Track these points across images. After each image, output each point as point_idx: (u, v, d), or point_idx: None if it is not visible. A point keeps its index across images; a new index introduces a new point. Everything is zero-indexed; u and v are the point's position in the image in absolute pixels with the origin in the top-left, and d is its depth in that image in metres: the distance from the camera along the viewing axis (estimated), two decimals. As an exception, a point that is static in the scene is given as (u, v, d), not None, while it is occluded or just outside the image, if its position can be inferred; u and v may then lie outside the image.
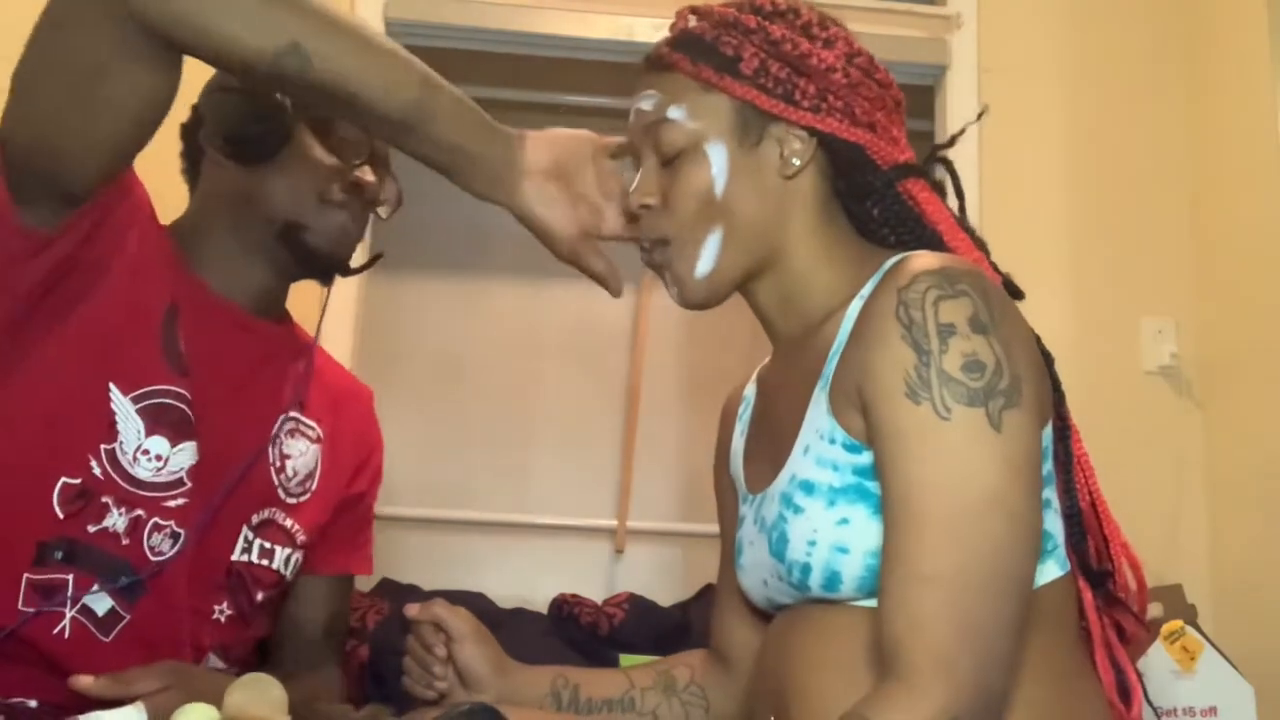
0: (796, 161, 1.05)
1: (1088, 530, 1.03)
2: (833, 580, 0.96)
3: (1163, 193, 2.38)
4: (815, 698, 0.96)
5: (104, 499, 1.13)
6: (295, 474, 1.30)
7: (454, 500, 2.76)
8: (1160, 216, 2.37)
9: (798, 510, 0.99)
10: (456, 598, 2.14)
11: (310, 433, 1.33)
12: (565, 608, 2.16)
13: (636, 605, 2.17)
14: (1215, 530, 2.23)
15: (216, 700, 0.91)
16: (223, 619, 1.25)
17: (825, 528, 0.96)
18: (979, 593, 0.86)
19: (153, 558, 1.15)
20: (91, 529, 1.12)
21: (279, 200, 1.23)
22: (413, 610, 1.19)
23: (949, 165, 1.16)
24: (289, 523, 1.30)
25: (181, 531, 1.16)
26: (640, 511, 2.82)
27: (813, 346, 1.05)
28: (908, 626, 0.86)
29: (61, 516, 1.11)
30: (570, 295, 2.71)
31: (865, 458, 0.96)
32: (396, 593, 2.23)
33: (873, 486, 0.95)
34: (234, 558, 1.25)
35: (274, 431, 1.27)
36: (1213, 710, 1.59)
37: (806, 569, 0.98)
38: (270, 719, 0.91)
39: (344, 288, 2.21)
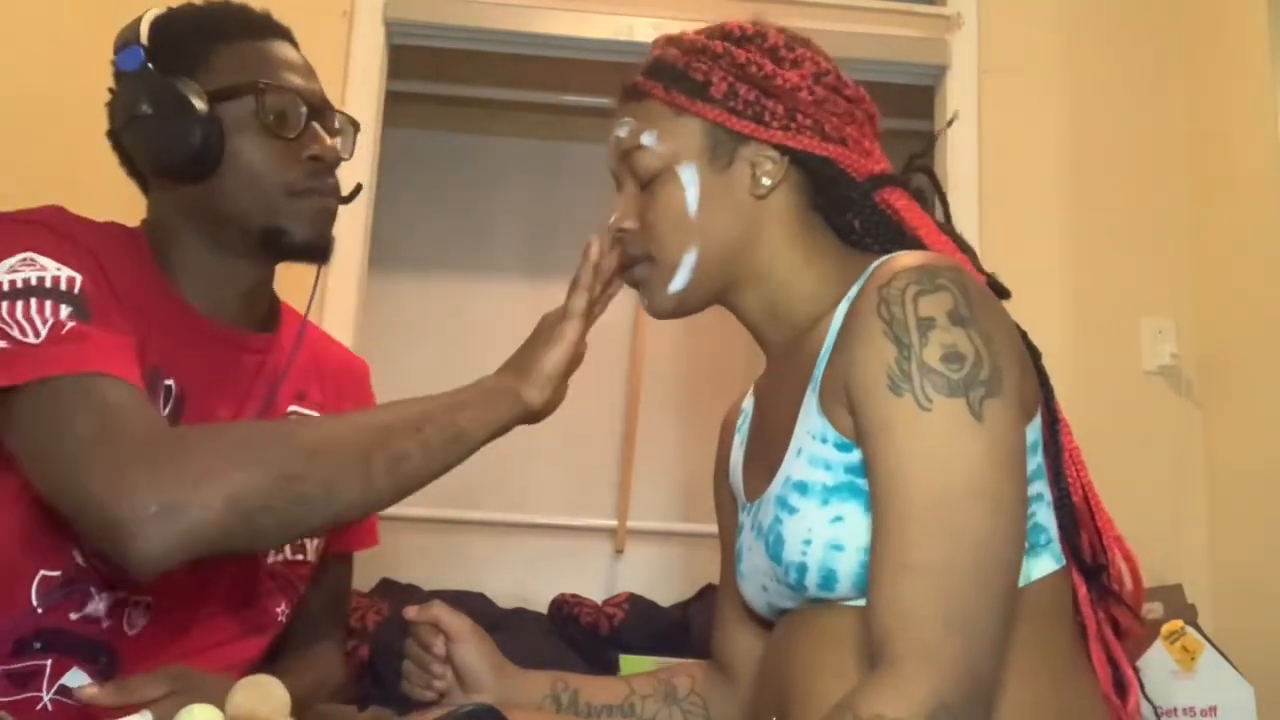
0: (767, 181, 1.08)
1: (1080, 523, 1.04)
2: (829, 578, 0.97)
3: (1163, 193, 2.38)
4: (817, 701, 0.96)
5: (89, 587, 1.09)
6: None
7: (454, 500, 2.76)
8: (1160, 216, 2.37)
9: (792, 510, 1.00)
10: (456, 598, 2.15)
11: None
12: (565, 608, 2.16)
13: (636, 605, 2.17)
14: (1215, 530, 2.22)
15: (221, 702, 0.91)
16: (283, 619, 1.27)
17: (819, 526, 0.98)
18: (964, 581, 0.87)
19: (129, 632, 1.12)
20: (74, 616, 1.09)
21: (245, 208, 1.16)
22: (411, 612, 1.19)
23: (929, 173, 1.18)
24: None
25: (151, 600, 1.13)
26: (640, 511, 2.83)
27: (803, 351, 1.07)
28: (894, 616, 0.87)
29: (40, 611, 1.08)
30: (570, 295, 2.72)
31: (856, 456, 0.97)
32: (396, 593, 2.24)
33: (864, 484, 0.96)
34: (270, 560, 1.24)
35: None
36: (1213, 710, 1.59)
37: (803, 568, 0.98)
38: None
39: (344, 287, 2.22)
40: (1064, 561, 1.01)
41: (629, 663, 1.53)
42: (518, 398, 1.10)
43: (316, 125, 1.19)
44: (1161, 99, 2.42)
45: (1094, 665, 1.02)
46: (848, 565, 0.96)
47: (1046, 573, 0.99)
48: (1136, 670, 1.04)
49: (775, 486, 1.03)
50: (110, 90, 1.19)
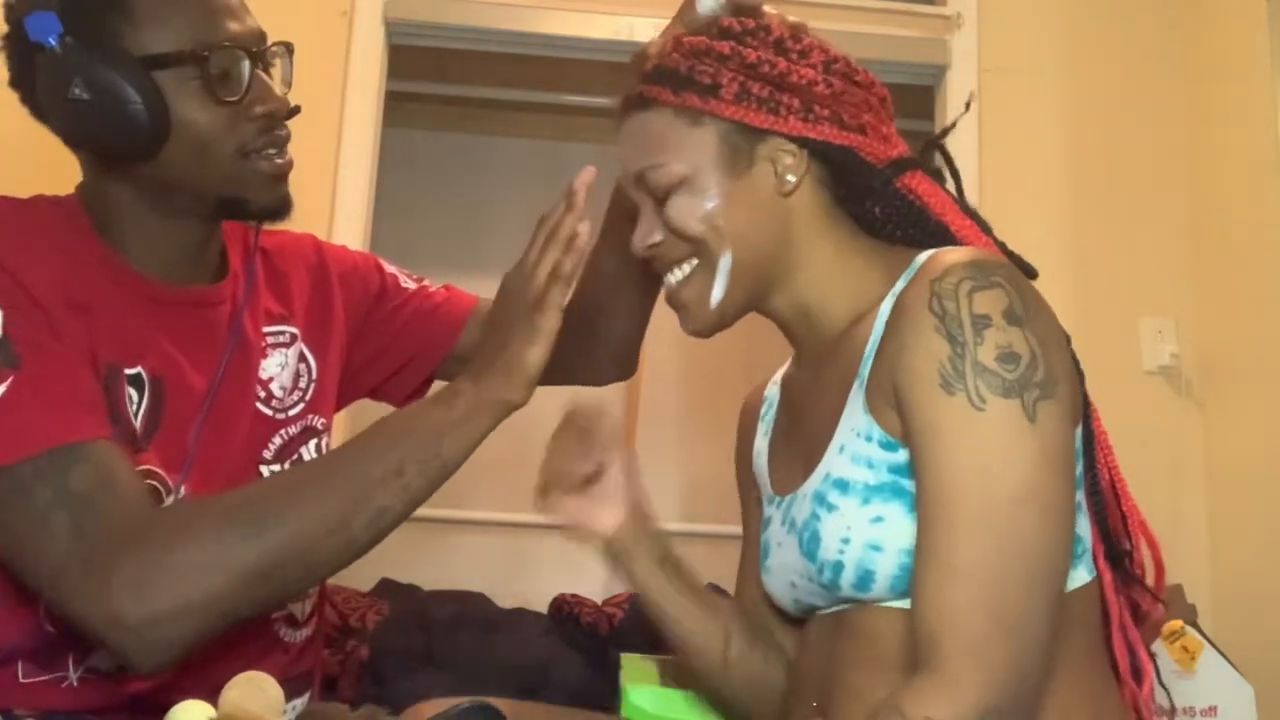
0: (791, 178, 1.04)
1: (1107, 508, 1.03)
2: (865, 579, 0.96)
3: (1163, 193, 2.38)
4: (859, 695, 0.96)
5: None
6: (283, 388, 1.23)
7: (454, 500, 2.75)
8: (1160, 216, 2.37)
9: (831, 508, 0.99)
10: (456, 598, 2.15)
11: (282, 337, 1.25)
12: (565, 608, 2.16)
13: (636, 605, 2.16)
14: (1215, 530, 2.22)
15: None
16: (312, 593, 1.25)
17: (859, 525, 0.96)
18: (1013, 584, 0.87)
19: None
20: None
21: (198, 177, 1.11)
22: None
23: (943, 151, 1.15)
24: (315, 420, 1.25)
25: None
26: (640, 511, 2.82)
27: (846, 348, 1.04)
28: (941, 618, 0.87)
29: (51, 629, 1.06)
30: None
31: (901, 455, 0.95)
32: (396, 593, 2.23)
33: (908, 484, 0.95)
34: None
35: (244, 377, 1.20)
36: (1213, 710, 1.59)
37: (839, 567, 0.97)
38: (265, 718, 0.91)
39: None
40: (1096, 572, 1.01)
41: (629, 662, 1.53)
42: (503, 404, 1.05)
43: (261, 74, 1.12)
44: (1161, 98, 2.42)
45: (1117, 667, 1.02)
46: (886, 567, 0.95)
47: (1080, 584, 0.99)
48: (1153, 656, 1.04)
49: (814, 483, 1.02)
50: (4, 39, 1.11)
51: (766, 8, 1.09)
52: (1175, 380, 2.31)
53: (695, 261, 1.06)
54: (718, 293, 1.05)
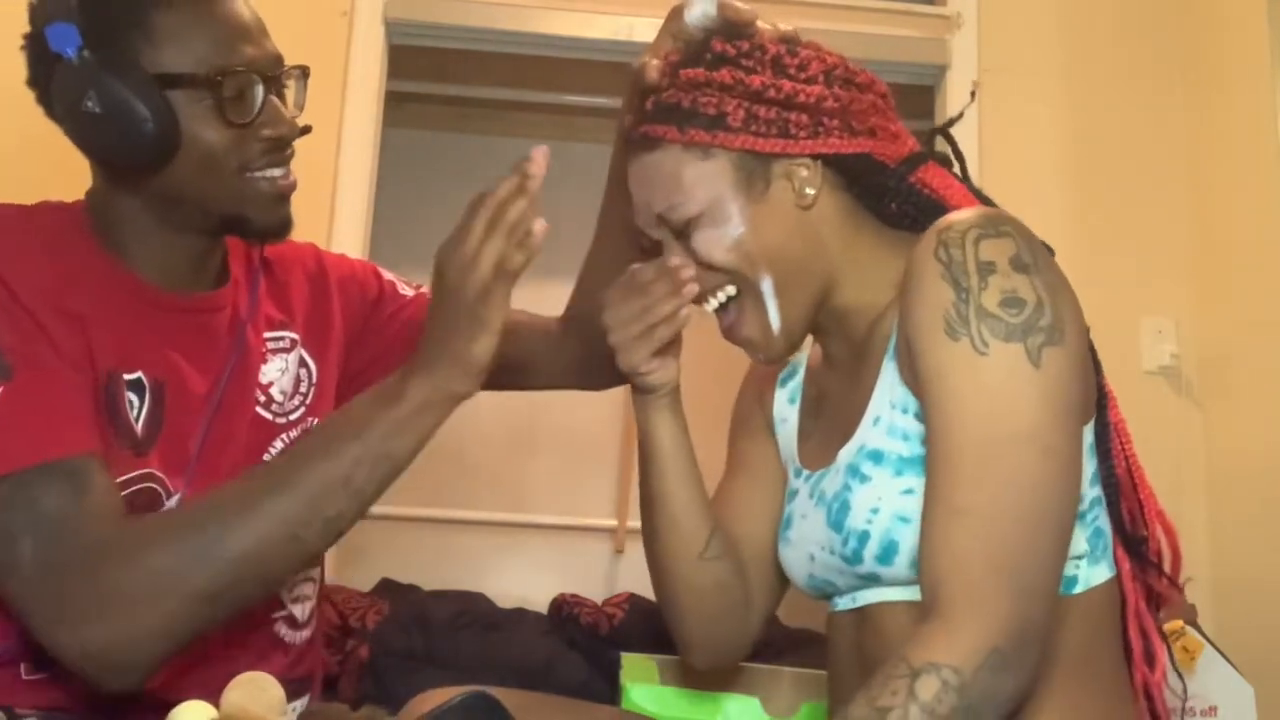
0: (810, 191, 1.04)
1: (1123, 495, 1.03)
2: (889, 551, 0.97)
3: (1163, 193, 2.38)
4: None
5: None
6: (283, 393, 1.23)
7: (454, 500, 2.76)
8: (1160, 216, 2.37)
9: (864, 479, 0.99)
10: (456, 598, 2.15)
11: (282, 342, 1.25)
12: (565, 608, 2.16)
13: (636, 605, 2.16)
14: (1215, 530, 2.22)
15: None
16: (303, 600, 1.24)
17: (890, 496, 0.97)
18: (1014, 526, 0.87)
19: None
20: None
21: (203, 193, 1.12)
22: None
23: (948, 136, 1.16)
24: (314, 424, 1.25)
25: None
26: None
27: (878, 331, 1.05)
28: (945, 561, 0.87)
29: None
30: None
31: None
32: (396, 593, 2.24)
33: None
34: None
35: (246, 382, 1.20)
36: (1212, 710, 1.59)
37: (864, 538, 0.98)
38: (267, 719, 0.91)
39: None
40: (1116, 568, 1.02)
41: (629, 662, 1.53)
42: (451, 397, 1.02)
43: (273, 99, 1.13)
44: (1161, 98, 2.42)
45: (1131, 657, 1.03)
46: (911, 540, 0.95)
47: (1104, 579, 1.00)
48: (1165, 639, 1.05)
49: (847, 454, 1.03)
50: (26, 39, 1.12)
51: (759, 22, 1.07)
52: (1175, 380, 2.31)
53: (731, 290, 1.06)
54: (774, 318, 1.05)
